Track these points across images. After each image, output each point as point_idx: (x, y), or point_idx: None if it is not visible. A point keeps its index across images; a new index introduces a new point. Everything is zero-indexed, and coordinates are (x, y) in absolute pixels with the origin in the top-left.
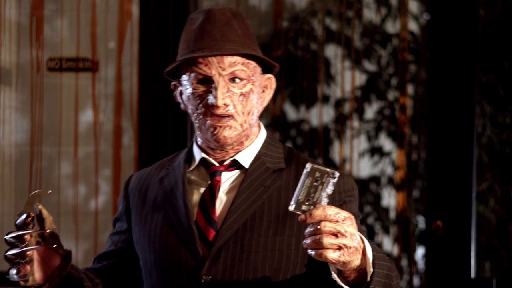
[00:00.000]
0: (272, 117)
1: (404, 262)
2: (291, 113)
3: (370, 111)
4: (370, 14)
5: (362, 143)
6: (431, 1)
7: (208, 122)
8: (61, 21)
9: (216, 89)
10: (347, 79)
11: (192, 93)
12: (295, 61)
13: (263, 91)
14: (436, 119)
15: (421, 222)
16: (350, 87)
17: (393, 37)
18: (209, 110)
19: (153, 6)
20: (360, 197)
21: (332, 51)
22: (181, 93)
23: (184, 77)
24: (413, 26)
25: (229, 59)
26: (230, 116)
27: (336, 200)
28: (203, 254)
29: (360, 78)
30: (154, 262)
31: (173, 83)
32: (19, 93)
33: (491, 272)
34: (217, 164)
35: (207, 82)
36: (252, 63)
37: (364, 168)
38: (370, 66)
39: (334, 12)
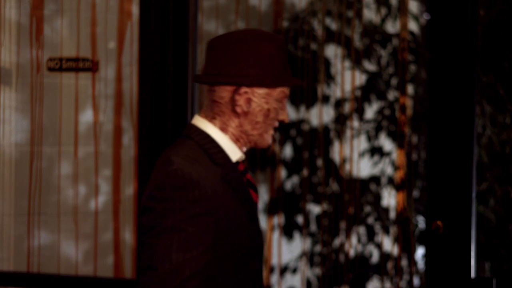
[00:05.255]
0: None
1: (404, 262)
2: (291, 113)
3: (370, 111)
4: (370, 14)
5: (362, 143)
6: (431, 1)
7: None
8: (61, 21)
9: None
10: (347, 79)
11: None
12: (295, 61)
13: None
14: (436, 119)
15: (421, 222)
16: (350, 87)
17: (393, 37)
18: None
19: (153, 6)
20: (360, 197)
21: (332, 51)
22: (249, 100)
23: (266, 90)
24: (413, 26)
25: None
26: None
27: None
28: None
29: (360, 78)
30: (240, 247)
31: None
32: (19, 93)
33: (491, 272)
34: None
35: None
36: None
37: (364, 168)
38: (370, 66)
39: (334, 12)
